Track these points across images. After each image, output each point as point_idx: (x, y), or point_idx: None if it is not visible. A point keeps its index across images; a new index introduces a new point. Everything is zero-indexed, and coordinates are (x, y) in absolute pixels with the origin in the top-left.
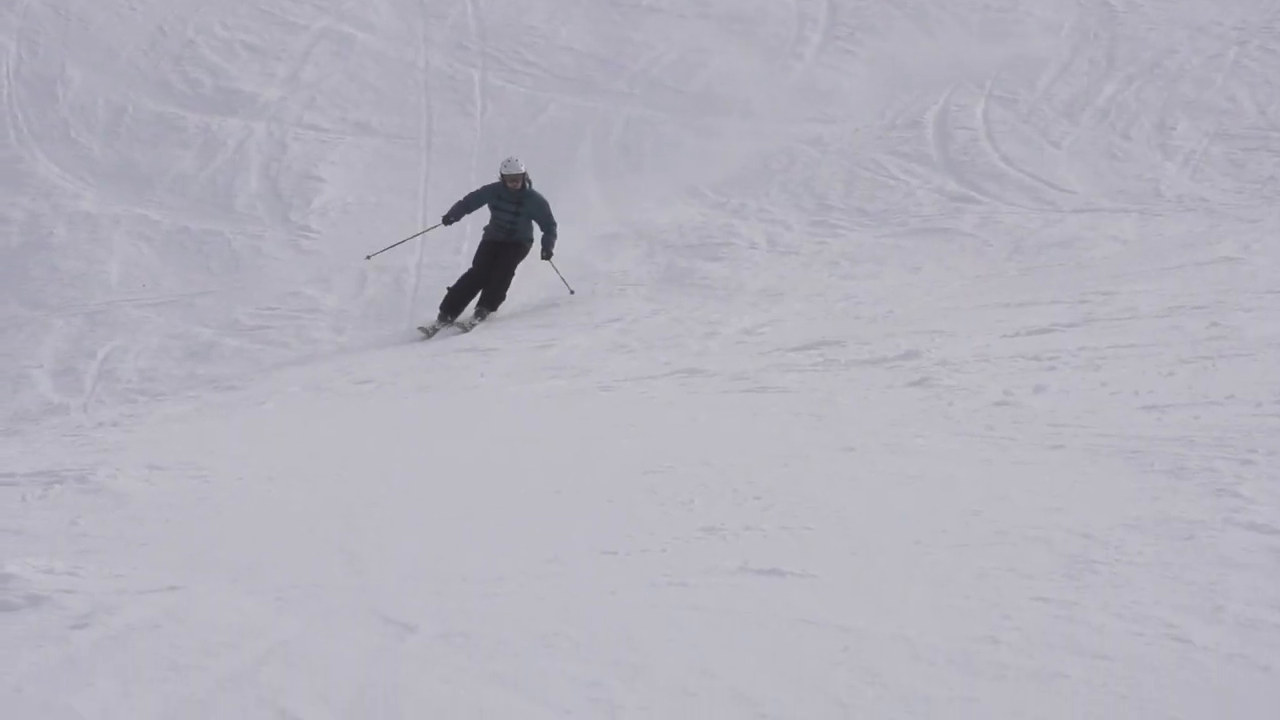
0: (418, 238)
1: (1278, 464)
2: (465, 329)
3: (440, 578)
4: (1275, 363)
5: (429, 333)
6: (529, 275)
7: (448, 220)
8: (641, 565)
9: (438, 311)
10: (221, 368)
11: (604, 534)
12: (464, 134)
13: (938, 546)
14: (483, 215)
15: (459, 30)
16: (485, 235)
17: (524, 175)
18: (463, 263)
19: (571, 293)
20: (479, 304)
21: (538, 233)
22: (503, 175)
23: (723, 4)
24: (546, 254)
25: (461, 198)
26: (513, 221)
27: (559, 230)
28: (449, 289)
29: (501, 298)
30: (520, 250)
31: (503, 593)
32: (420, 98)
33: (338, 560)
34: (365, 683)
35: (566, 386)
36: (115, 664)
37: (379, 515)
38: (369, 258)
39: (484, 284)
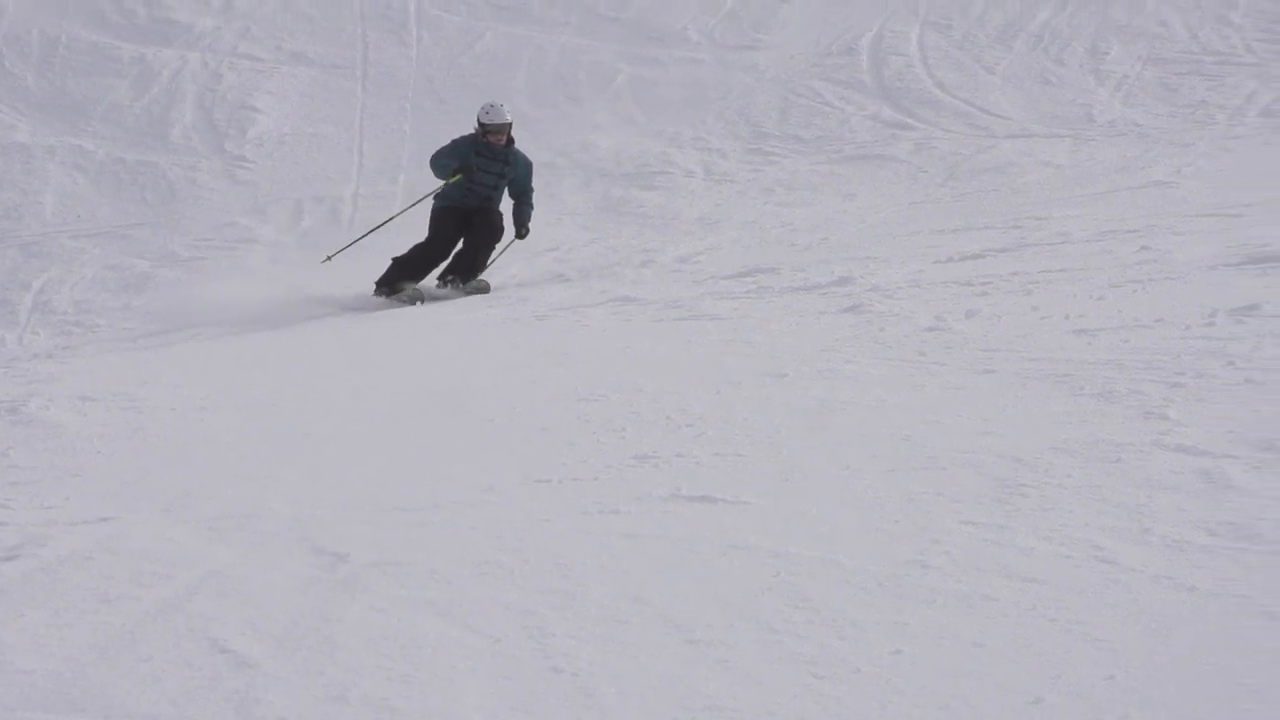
0: (383, 227)
1: (1205, 386)
2: (411, 300)
3: (373, 507)
4: (1204, 286)
5: (412, 298)
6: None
7: (454, 173)
8: (574, 493)
9: (373, 286)
10: (157, 299)
11: (537, 462)
12: (400, 64)
13: (868, 471)
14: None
15: None
16: (446, 200)
17: (510, 127)
18: (400, 194)
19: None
20: (448, 271)
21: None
22: (483, 125)
23: None
24: (523, 232)
25: (440, 150)
26: (496, 185)
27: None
28: (395, 260)
29: (482, 266)
30: (500, 221)
31: (436, 521)
32: (356, 27)
33: (271, 490)
34: (297, 612)
35: (502, 315)
36: (45, 595)
37: (312, 444)
38: (328, 259)
39: (442, 257)
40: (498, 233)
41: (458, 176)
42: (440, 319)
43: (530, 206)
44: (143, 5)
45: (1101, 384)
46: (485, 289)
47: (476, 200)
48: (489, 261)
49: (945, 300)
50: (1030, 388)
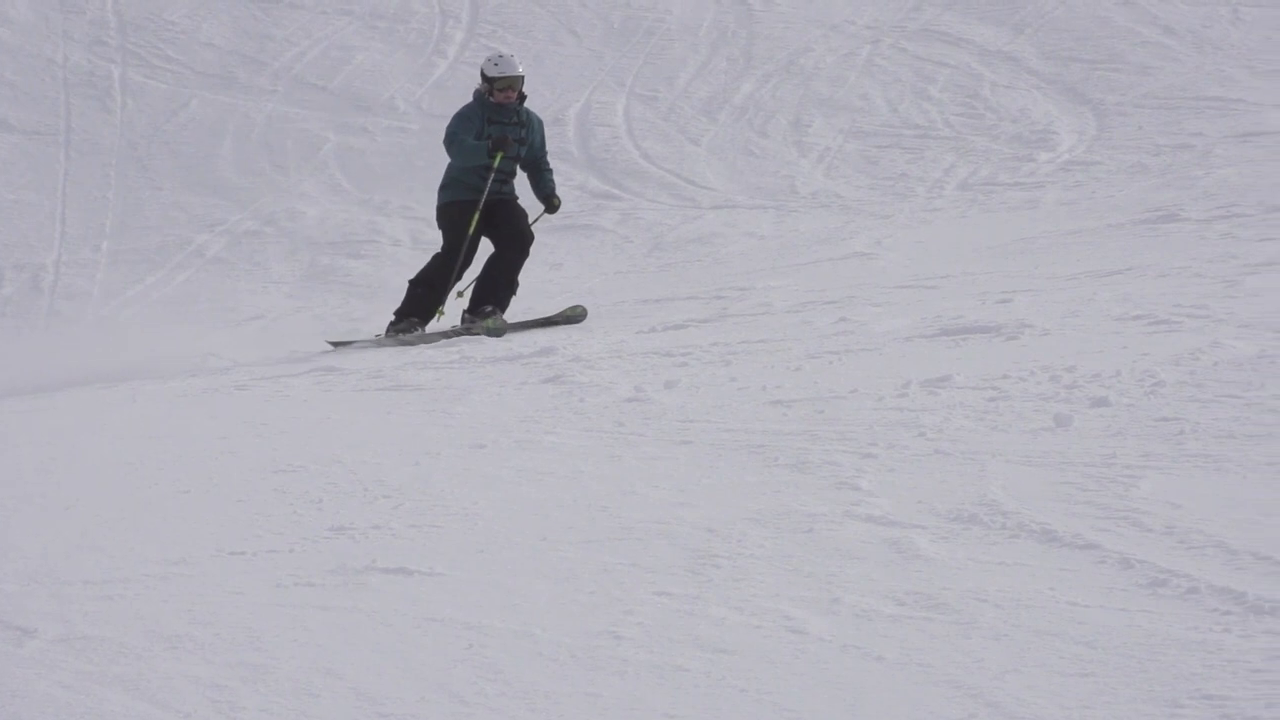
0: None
1: (896, 457)
2: (458, 332)
3: (61, 580)
4: (898, 357)
5: (404, 336)
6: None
7: (493, 151)
8: (269, 565)
9: (391, 317)
10: None
11: (232, 534)
12: (104, 131)
13: (564, 543)
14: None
15: (98, 25)
16: (458, 193)
17: (523, 81)
18: (103, 261)
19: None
20: (477, 302)
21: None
22: (490, 80)
23: (366, 1)
24: (555, 202)
25: (452, 132)
26: (517, 154)
27: None
28: (411, 282)
29: (513, 288)
30: (528, 220)
31: (126, 595)
32: (59, 94)
33: None
34: None
35: (203, 384)
36: None
37: None
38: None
39: (468, 264)
40: (529, 238)
41: (501, 154)
42: (138, 389)
43: (550, 171)
44: None
45: (795, 454)
46: (502, 330)
47: (497, 183)
48: None
49: (645, 371)
50: (726, 458)
